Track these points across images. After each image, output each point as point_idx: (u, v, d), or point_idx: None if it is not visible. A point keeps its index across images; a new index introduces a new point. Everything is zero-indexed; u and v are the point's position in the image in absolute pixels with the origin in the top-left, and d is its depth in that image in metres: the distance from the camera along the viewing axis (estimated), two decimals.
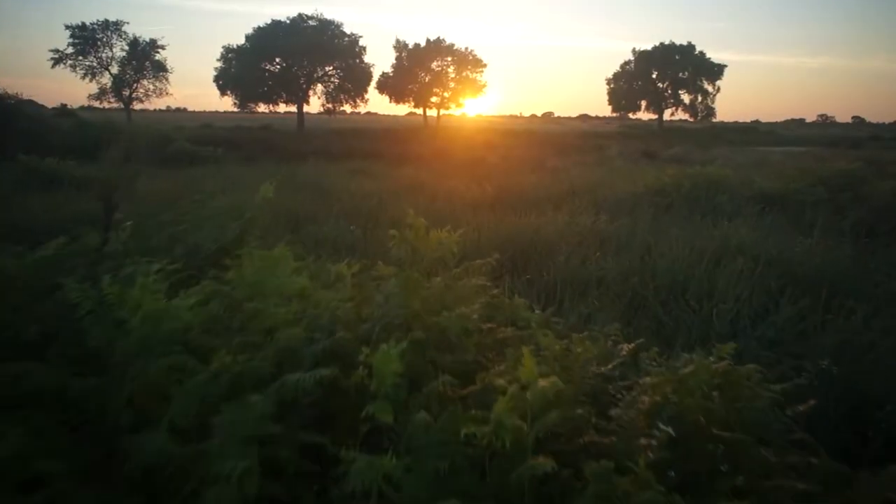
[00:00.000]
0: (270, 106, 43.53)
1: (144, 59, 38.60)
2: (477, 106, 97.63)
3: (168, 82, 39.92)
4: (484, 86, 53.22)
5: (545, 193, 9.86)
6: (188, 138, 23.07)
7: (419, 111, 56.18)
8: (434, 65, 52.61)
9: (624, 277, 4.50)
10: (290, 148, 22.20)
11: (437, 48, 51.89)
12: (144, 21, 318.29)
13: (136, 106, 43.55)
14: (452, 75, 53.02)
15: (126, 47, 37.83)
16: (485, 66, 52.86)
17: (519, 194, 9.90)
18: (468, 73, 52.79)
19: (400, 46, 52.25)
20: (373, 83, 51.28)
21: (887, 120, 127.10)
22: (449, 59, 52.43)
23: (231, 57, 42.40)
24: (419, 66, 52.25)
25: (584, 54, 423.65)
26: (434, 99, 53.67)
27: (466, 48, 52.23)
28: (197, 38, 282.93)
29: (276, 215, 7.63)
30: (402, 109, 62.55)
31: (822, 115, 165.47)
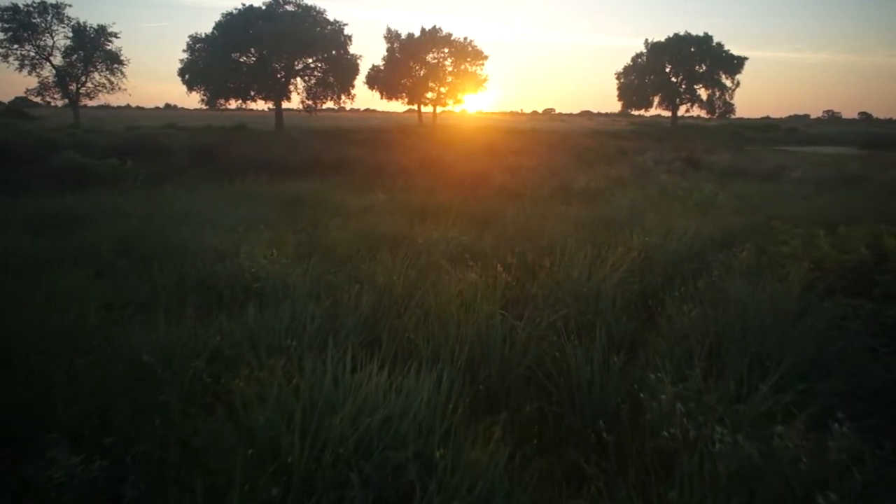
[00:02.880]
0: (243, 103, 38.40)
1: (95, 49, 33.37)
2: (476, 102, 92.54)
3: (124, 76, 34.65)
4: (485, 80, 48.15)
5: (613, 277, 4.88)
6: (112, 144, 18.18)
7: (425, 108, 50.95)
8: (430, 57, 47.49)
9: None
10: (236, 157, 17.23)
11: (432, 38, 46.78)
12: (146, 18, 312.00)
13: (117, 101, 38.33)
14: (450, 68, 47.90)
15: (70, 34, 32.51)
16: (485, 58, 47.77)
17: (562, 274, 4.94)
18: (467, 65, 47.66)
19: (392, 36, 47.13)
20: (362, 77, 46.30)
21: (894, 115, 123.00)
22: (446, 50, 47.32)
23: (199, 48, 37.31)
24: (413, 59, 47.14)
25: (583, 50, 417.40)
26: (430, 94, 48.58)
27: (465, 38, 47.12)
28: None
29: None
30: (401, 106, 56.77)
31: (827, 111, 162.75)
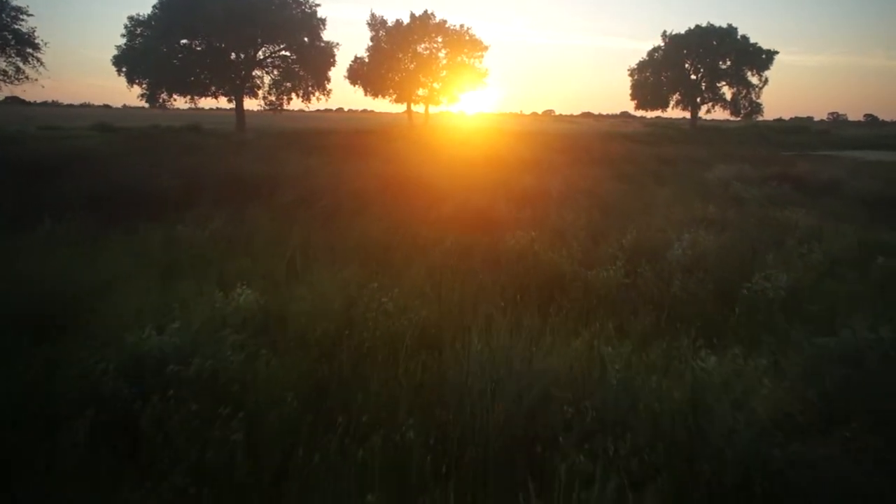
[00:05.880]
0: (192, 100, 31.87)
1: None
2: (475, 101, 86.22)
3: (40, 63, 27.46)
4: (484, 74, 41.71)
5: None
6: None
7: (417, 107, 44.37)
8: (421, 47, 41.08)
9: None
10: (93, 179, 10.78)
11: (424, 26, 40.38)
12: None
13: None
14: (444, 61, 41.49)
15: None
16: (485, 48, 41.34)
17: None
18: (464, 57, 41.25)
19: (376, 23, 40.72)
20: (343, 71, 40.05)
21: None
22: (440, 39, 40.90)
23: (140, 32, 30.85)
24: (402, 50, 40.74)
25: (582, 51, 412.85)
26: (421, 91, 42.18)
27: (462, 26, 40.73)
28: None
29: None
30: (400, 106, 48.57)
31: (832, 113, 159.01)
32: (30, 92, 73.52)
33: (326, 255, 6.40)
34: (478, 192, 10.72)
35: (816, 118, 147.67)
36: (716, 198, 11.44)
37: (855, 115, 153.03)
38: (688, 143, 33.57)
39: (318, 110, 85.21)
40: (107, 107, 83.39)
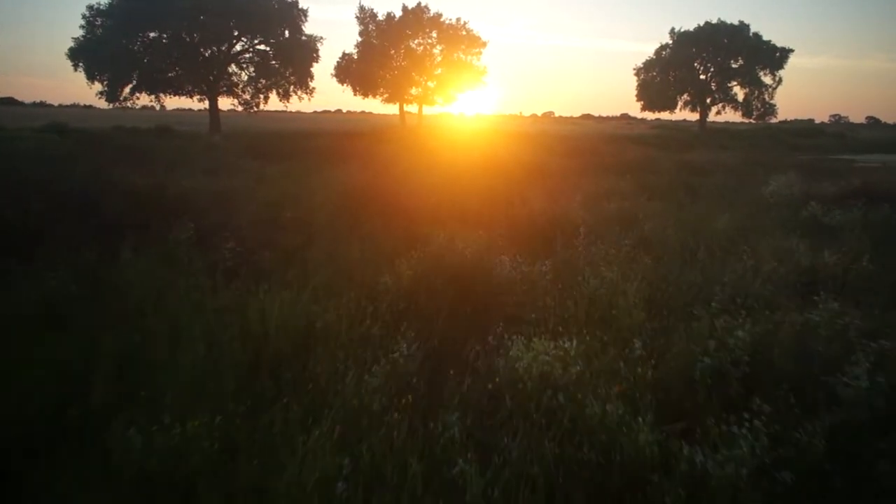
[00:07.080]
0: (156, 98, 28.80)
1: None
2: (473, 102, 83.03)
3: None
4: (482, 72, 38.72)
5: None
6: None
7: (411, 108, 41.32)
8: (414, 43, 38.10)
9: None
10: None
11: (417, 20, 37.42)
12: None
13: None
14: (439, 58, 38.50)
15: None
16: (483, 45, 38.37)
17: None
18: (461, 54, 38.27)
19: (366, 17, 37.73)
20: (330, 69, 37.12)
21: None
22: (434, 34, 37.93)
23: (100, 23, 27.82)
24: (394, 46, 37.77)
25: (581, 53, 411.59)
26: (414, 90, 39.17)
27: (458, 20, 37.75)
28: None
29: None
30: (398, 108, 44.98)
31: (834, 116, 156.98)
32: (25, 92, 71.01)
33: (174, 374, 3.38)
34: (470, 221, 7.74)
35: (818, 120, 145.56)
36: (792, 225, 8.44)
37: (857, 117, 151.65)
38: (703, 148, 30.63)
39: (315, 111, 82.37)
40: (89, 107, 79.90)
